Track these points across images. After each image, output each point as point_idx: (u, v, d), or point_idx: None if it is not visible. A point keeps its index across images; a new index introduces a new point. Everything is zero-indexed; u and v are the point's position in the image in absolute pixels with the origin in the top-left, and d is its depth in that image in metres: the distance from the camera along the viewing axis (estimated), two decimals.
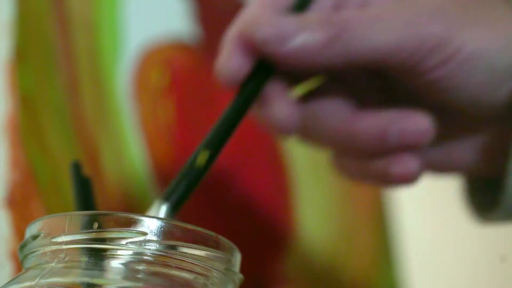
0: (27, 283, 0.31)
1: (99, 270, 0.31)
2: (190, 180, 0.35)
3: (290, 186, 0.57)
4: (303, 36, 0.36)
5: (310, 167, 0.60)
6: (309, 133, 0.40)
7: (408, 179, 0.39)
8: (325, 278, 0.57)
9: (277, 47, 0.36)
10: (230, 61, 0.38)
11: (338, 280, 0.58)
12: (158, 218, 0.32)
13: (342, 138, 0.39)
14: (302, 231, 0.56)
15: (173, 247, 0.32)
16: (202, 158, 0.35)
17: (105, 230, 0.31)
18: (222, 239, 0.33)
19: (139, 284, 0.31)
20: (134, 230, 0.31)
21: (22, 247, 0.33)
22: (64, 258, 0.32)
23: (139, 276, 0.31)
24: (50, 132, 0.42)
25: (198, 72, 0.54)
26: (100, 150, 0.45)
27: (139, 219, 0.31)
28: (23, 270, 0.33)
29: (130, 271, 0.31)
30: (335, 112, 0.39)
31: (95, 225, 0.31)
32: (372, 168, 0.39)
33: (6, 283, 0.33)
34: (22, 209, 0.39)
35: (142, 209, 0.46)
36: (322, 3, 0.39)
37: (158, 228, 0.31)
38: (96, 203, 0.37)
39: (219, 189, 0.51)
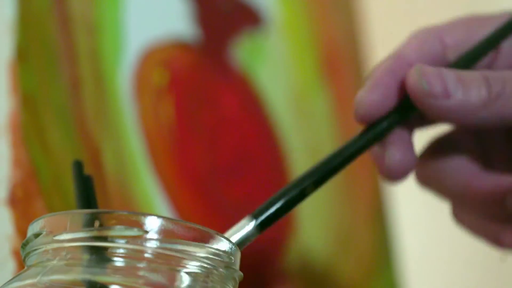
0: (29, 281, 0.32)
1: (101, 268, 0.31)
2: (286, 202, 0.36)
3: None
4: (467, 91, 0.36)
5: (309, 165, 0.60)
6: (429, 180, 0.40)
7: None
8: (323, 277, 0.57)
9: (441, 101, 0.36)
10: (373, 96, 0.37)
11: (337, 280, 0.58)
12: (158, 217, 0.32)
13: (461, 193, 0.39)
14: (301, 231, 0.56)
15: (173, 245, 0.32)
16: (308, 189, 0.36)
17: (106, 228, 0.32)
18: (222, 237, 0.33)
19: (140, 282, 0.31)
20: (135, 228, 0.31)
21: (24, 245, 0.33)
22: (65, 256, 0.32)
23: (140, 273, 0.31)
24: (51, 131, 0.43)
25: (198, 72, 0.54)
26: (102, 149, 0.45)
27: (140, 218, 0.32)
28: (25, 268, 0.33)
29: (131, 268, 0.31)
30: (460, 166, 0.39)
31: (97, 223, 0.32)
32: (486, 228, 0.39)
33: (9, 281, 0.34)
34: (24, 207, 0.39)
35: (143, 208, 0.46)
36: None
37: (158, 226, 0.32)
38: (98, 201, 0.37)
39: (219, 188, 0.51)
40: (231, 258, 0.33)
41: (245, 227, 0.35)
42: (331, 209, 0.61)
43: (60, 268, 0.32)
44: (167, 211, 0.47)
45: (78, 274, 0.31)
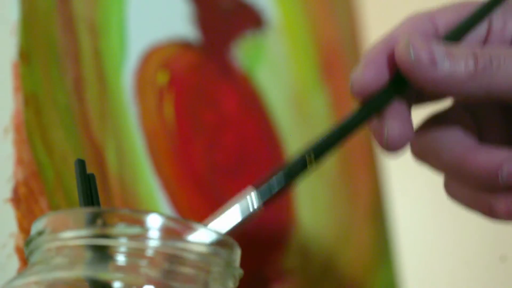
0: (33, 278, 0.32)
1: (103, 265, 0.31)
2: (287, 176, 0.37)
3: None
4: (454, 63, 0.37)
5: None
6: (425, 154, 0.41)
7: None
8: (323, 273, 0.57)
9: (428, 71, 0.37)
10: (367, 72, 0.39)
11: (336, 276, 0.58)
12: (160, 215, 0.32)
13: (456, 166, 0.40)
14: (301, 228, 0.57)
15: (175, 243, 0.32)
16: (310, 159, 0.37)
17: (108, 226, 0.32)
18: (223, 235, 0.33)
19: (142, 279, 0.31)
20: (137, 226, 0.32)
21: (28, 243, 0.33)
22: (68, 253, 0.32)
23: (142, 271, 0.31)
24: (55, 130, 0.43)
25: (199, 72, 0.54)
26: (104, 148, 0.45)
27: (141, 216, 0.32)
28: (29, 265, 0.33)
29: (133, 266, 0.31)
30: (455, 140, 0.40)
31: (99, 221, 0.32)
32: (480, 199, 0.40)
33: (12, 278, 0.34)
34: (27, 205, 0.39)
35: (145, 207, 0.46)
36: (470, 38, 0.40)
37: (160, 224, 0.32)
38: (100, 200, 0.37)
39: (219, 187, 0.51)
40: (231, 256, 0.33)
41: (248, 204, 0.36)
42: (332, 206, 0.61)
43: (63, 265, 0.32)
44: (168, 210, 0.47)
45: (81, 272, 0.32)
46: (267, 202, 0.36)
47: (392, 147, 0.39)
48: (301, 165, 0.37)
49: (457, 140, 0.40)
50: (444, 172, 0.41)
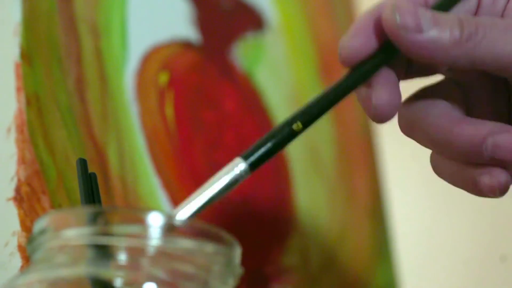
0: (35, 276, 0.32)
1: (104, 264, 0.32)
2: (276, 142, 0.38)
3: (289, 181, 0.57)
4: (440, 30, 0.38)
5: (308, 162, 0.60)
6: (412, 127, 0.41)
7: (496, 191, 0.39)
8: (323, 271, 0.57)
9: (413, 35, 0.38)
10: (355, 40, 0.39)
11: (336, 274, 0.58)
12: (161, 213, 0.32)
13: (441, 139, 0.40)
14: (300, 227, 0.57)
15: (175, 241, 0.32)
16: (297, 125, 0.38)
17: (110, 224, 0.32)
18: (223, 233, 0.33)
19: (143, 278, 0.31)
20: (138, 225, 0.32)
21: (30, 241, 0.34)
22: (70, 252, 0.32)
23: (143, 269, 0.32)
24: (57, 130, 0.43)
25: (200, 73, 0.54)
26: (106, 148, 0.45)
27: (142, 214, 0.32)
28: (31, 264, 0.34)
29: (134, 264, 0.32)
30: (443, 113, 0.40)
31: (100, 220, 0.32)
32: (465, 174, 0.40)
33: (15, 276, 0.34)
34: (30, 204, 0.40)
35: (146, 206, 0.46)
36: (461, 8, 0.40)
37: (161, 223, 0.32)
38: (102, 198, 0.38)
39: None
40: (231, 254, 0.34)
41: (236, 167, 0.37)
42: (330, 205, 0.61)
43: (64, 263, 0.32)
44: (169, 209, 0.47)
45: (82, 270, 0.32)
46: (252, 166, 0.37)
47: (380, 115, 0.39)
48: (287, 132, 0.38)
49: (444, 113, 0.40)
50: (431, 146, 0.41)
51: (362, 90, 0.39)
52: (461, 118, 0.40)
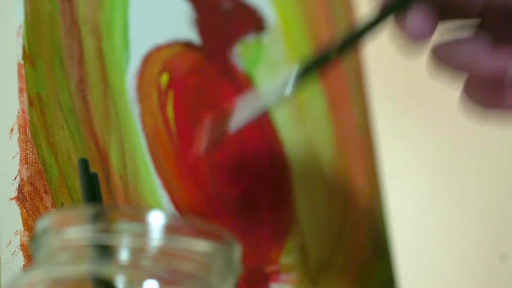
0: (37, 275, 0.32)
1: (106, 262, 0.32)
2: (321, 58, 0.43)
3: (289, 180, 0.57)
4: None
5: (307, 162, 0.60)
6: (445, 58, 0.44)
7: None
8: (322, 270, 0.57)
9: None
10: None
11: (335, 272, 0.58)
12: (162, 212, 0.32)
13: (471, 67, 0.43)
14: (299, 225, 0.57)
15: (176, 240, 0.32)
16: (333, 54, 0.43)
17: (111, 223, 0.32)
18: (223, 232, 0.34)
19: (144, 276, 0.32)
20: (139, 224, 0.32)
21: (33, 240, 0.34)
22: (72, 250, 0.33)
23: (144, 268, 0.32)
24: (59, 131, 0.43)
25: (200, 73, 0.54)
26: (107, 148, 0.46)
27: (144, 213, 0.32)
28: (34, 262, 0.34)
29: (135, 263, 0.32)
30: (473, 44, 0.43)
31: (102, 219, 0.32)
32: (490, 97, 0.44)
33: (17, 275, 0.34)
34: (32, 204, 0.40)
35: (148, 205, 0.46)
36: None
37: (162, 222, 0.32)
38: (103, 198, 0.38)
39: (219, 187, 0.51)
40: (232, 253, 0.34)
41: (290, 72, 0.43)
42: (329, 203, 0.61)
43: (67, 262, 0.32)
44: (170, 208, 0.47)
45: (84, 268, 0.32)
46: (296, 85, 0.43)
47: (413, 35, 0.41)
48: (325, 57, 0.43)
49: (474, 45, 0.43)
50: (460, 72, 0.44)
51: (397, 18, 0.42)
52: (489, 50, 0.43)
